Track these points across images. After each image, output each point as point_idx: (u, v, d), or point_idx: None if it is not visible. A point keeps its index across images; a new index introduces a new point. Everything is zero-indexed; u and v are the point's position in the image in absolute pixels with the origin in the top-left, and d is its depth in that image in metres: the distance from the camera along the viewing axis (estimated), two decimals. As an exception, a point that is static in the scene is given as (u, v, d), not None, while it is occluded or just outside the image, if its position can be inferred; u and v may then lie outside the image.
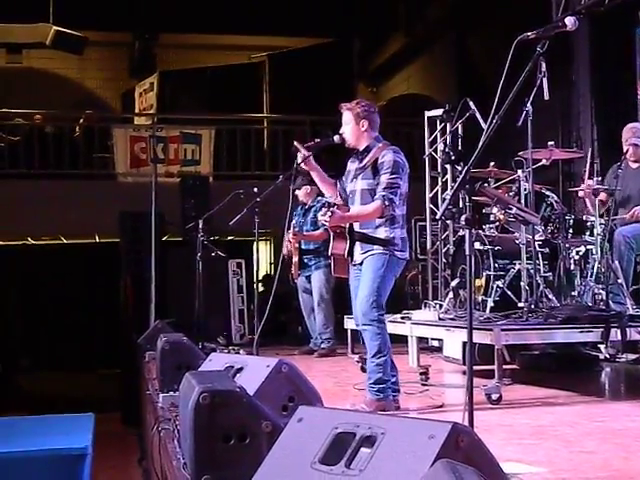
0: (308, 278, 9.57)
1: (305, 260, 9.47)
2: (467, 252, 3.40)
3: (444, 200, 8.85)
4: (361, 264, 5.52)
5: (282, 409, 3.96)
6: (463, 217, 3.32)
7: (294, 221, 9.39)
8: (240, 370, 4.37)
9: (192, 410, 3.24)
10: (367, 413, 3.72)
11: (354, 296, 5.62)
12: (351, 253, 5.58)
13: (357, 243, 5.54)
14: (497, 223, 7.39)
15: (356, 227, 5.57)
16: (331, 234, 5.72)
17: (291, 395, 4.07)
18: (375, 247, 5.44)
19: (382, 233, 5.45)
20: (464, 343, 7.49)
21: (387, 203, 5.37)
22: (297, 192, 9.19)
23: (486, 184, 3.43)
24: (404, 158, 5.54)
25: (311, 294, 9.61)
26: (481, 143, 3.31)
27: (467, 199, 3.39)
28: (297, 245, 9.33)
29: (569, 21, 3.37)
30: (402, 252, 5.49)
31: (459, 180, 3.36)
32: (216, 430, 3.24)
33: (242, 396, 3.31)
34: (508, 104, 3.38)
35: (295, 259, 9.42)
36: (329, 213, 5.34)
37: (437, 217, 3.51)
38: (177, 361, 5.66)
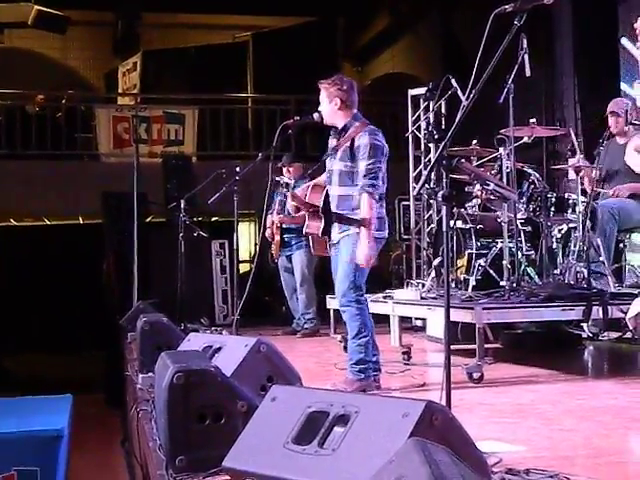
0: (289, 258, 9.54)
1: (286, 239, 9.42)
2: (444, 229, 3.36)
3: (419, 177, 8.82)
4: (339, 243, 5.48)
5: (260, 389, 3.92)
6: (440, 193, 3.29)
7: (277, 200, 9.32)
8: (218, 350, 4.35)
9: (166, 390, 3.20)
10: (341, 392, 3.68)
11: (335, 276, 5.58)
12: (329, 232, 5.54)
13: (335, 223, 5.49)
14: (478, 201, 7.36)
15: (333, 208, 5.51)
16: (305, 213, 5.68)
17: (270, 375, 4.04)
18: (352, 227, 5.39)
19: (358, 215, 5.39)
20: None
21: (371, 190, 5.30)
22: (283, 169, 9.14)
23: (463, 160, 3.39)
24: (382, 138, 5.47)
25: (293, 274, 9.57)
26: (458, 118, 3.27)
27: (445, 175, 3.34)
28: (279, 225, 9.29)
29: (547, -6, 3.33)
30: (379, 231, 5.42)
31: (435, 156, 3.32)
32: (191, 410, 3.21)
33: (217, 375, 3.28)
34: (485, 79, 3.33)
35: (277, 238, 9.38)
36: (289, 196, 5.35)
37: (414, 193, 3.46)
38: (157, 341, 5.62)
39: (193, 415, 3.20)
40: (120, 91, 17.48)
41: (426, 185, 7.61)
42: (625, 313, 5.54)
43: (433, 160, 3.32)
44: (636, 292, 6.16)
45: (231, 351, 4.20)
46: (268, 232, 9.38)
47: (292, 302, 9.73)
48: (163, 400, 3.27)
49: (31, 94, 14.98)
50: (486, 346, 6.70)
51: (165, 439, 3.26)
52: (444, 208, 3.39)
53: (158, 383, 3.55)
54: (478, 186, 7.02)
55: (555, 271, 7.11)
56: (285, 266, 9.64)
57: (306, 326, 9.45)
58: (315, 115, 5.63)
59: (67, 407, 4.73)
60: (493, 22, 3.44)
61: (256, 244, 15.28)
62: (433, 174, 6.70)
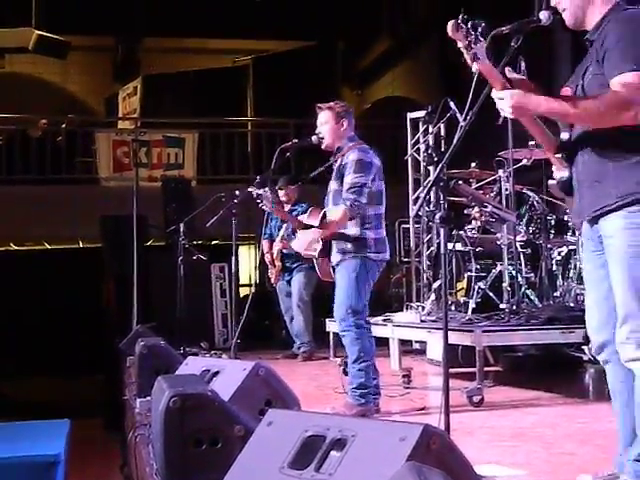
0: (289, 282, 9.50)
1: (287, 264, 9.39)
2: (442, 251, 3.35)
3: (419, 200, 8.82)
4: (338, 266, 5.48)
5: (259, 413, 3.89)
6: (438, 215, 3.27)
7: (272, 225, 9.30)
8: (216, 374, 4.31)
9: (162, 414, 3.17)
10: (338, 416, 3.66)
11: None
12: (327, 254, 5.53)
13: (333, 244, 5.48)
14: (478, 223, 7.34)
15: None
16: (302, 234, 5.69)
17: (268, 399, 4.00)
18: (347, 249, 5.38)
19: (352, 232, 5.39)
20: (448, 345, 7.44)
21: (349, 204, 5.31)
22: (279, 192, 9.11)
23: (460, 182, 3.37)
24: (373, 157, 5.47)
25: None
26: (455, 140, 3.25)
27: (442, 197, 3.33)
28: (281, 250, 9.24)
29: (543, 15, 3.31)
30: (377, 253, 5.41)
31: (433, 178, 3.30)
32: (187, 434, 3.18)
33: (214, 400, 3.24)
34: (482, 101, 3.32)
35: (278, 264, 9.36)
36: (268, 204, 5.36)
37: (413, 215, 3.45)
38: (155, 365, 5.58)
39: (189, 439, 3.17)
40: (120, 115, 17.51)
41: (425, 207, 7.60)
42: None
43: (430, 182, 3.31)
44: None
45: (229, 375, 4.17)
46: (267, 257, 9.37)
47: (291, 326, 9.69)
48: (159, 424, 3.24)
49: (32, 118, 14.97)
50: (486, 369, 6.69)
51: (161, 464, 3.23)
52: (442, 230, 3.37)
53: (154, 407, 3.52)
54: (476, 208, 7.01)
55: (555, 293, 7.09)
56: (286, 290, 9.60)
57: (302, 349, 9.40)
58: (313, 138, 5.64)
59: (64, 432, 4.68)
60: (490, 44, 3.42)
61: (256, 267, 15.27)
62: (432, 196, 6.70)
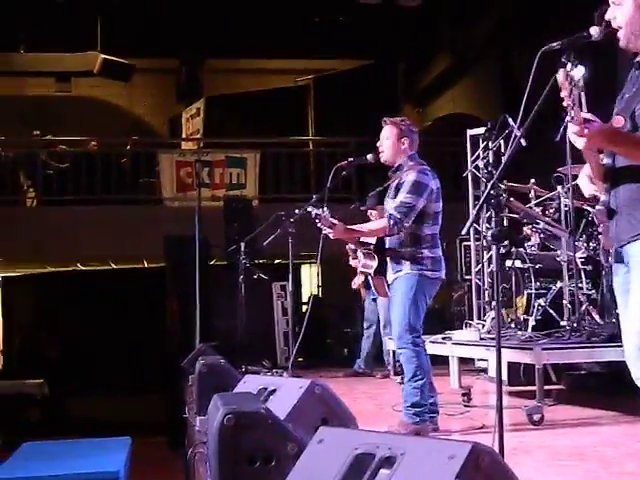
0: (375, 300, 9.51)
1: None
2: (495, 268, 3.33)
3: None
4: (393, 284, 5.48)
5: (315, 431, 3.90)
6: (490, 233, 3.27)
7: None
8: (273, 392, 4.34)
9: (216, 432, 3.21)
10: (387, 433, 3.66)
11: (391, 317, 5.58)
12: (383, 271, 5.54)
13: (388, 262, 5.50)
14: (537, 240, 7.27)
15: (386, 245, 5.54)
16: (360, 253, 5.70)
17: (324, 417, 4.01)
18: (404, 267, 5.39)
19: (408, 253, 5.40)
20: (509, 363, 7.39)
21: (392, 222, 5.33)
22: (368, 212, 9.11)
23: (512, 198, 3.36)
24: (432, 179, 5.48)
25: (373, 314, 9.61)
26: (506, 157, 3.25)
27: (494, 214, 3.33)
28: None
29: (594, 30, 3.29)
30: (434, 272, 5.42)
31: (484, 195, 3.30)
32: (241, 452, 3.20)
33: (267, 417, 3.27)
34: (534, 117, 3.32)
35: (360, 280, 9.39)
36: (325, 225, 5.33)
37: (463, 232, 3.44)
38: (214, 384, 5.62)
39: (243, 457, 3.19)
40: (184, 136, 17.72)
41: (485, 224, 7.57)
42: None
43: (481, 200, 3.31)
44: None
45: (285, 393, 4.18)
46: (354, 281, 9.47)
47: (366, 343, 9.79)
48: (214, 442, 3.27)
49: (96, 140, 15.22)
50: (548, 387, 6.62)
51: (216, 481, 3.26)
52: (494, 247, 3.37)
53: (210, 425, 3.56)
54: (529, 225, 6.97)
55: (617, 310, 6.98)
56: (370, 308, 9.69)
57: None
58: (369, 156, 5.67)
59: (125, 449, 4.76)
60: (541, 60, 3.42)
61: (319, 286, 15.31)
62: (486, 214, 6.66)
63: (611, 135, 3.17)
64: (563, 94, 3.12)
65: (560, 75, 3.14)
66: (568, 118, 3.14)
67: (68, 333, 14.63)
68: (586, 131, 3.07)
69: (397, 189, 5.47)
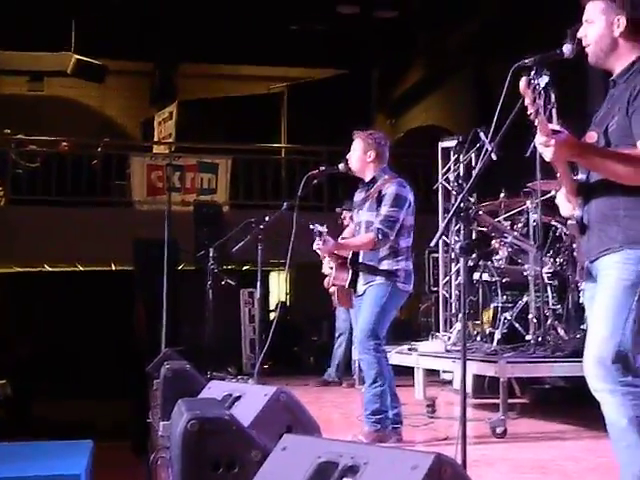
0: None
1: None
2: (462, 281, 3.36)
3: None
4: (364, 294, 5.51)
5: (279, 438, 3.90)
6: (457, 245, 3.29)
7: None
8: (238, 399, 4.34)
9: (180, 437, 3.20)
10: (351, 443, 3.67)
11: (356, 326, 5.60)
12: (354, 284, 5.57)
13: (361, 274, 5.52)
14: (505, 253, 7.32)
15: (360, 259, 5.56)
16: (333, 264, 5.71)
17: (289, 425, 4.02)
18: (378, 278, 5.42)
19: (386, 265, 5.45)
20: (474, 375, 7.42)
21: (380, 236, 5.37)
22: (345, 216, 9.17)
23: (481, 212, 3.39)
24: (409, 192, 5.53)
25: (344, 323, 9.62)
26: (476, 171, 3.28)
27: (463, 227, 3.35)
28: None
29: (566, 48, 3.33)
30: (405, 284, 5.47)
31: (453, 208, 3.33)
32: (204, 458, 3.20)
33: (231, 424, 3.27)
34: (504, 133, 3.36)
35: (332, 289, 9.40)
36: (321, 241, 5.33)
37: (432, 245, 3.46)
38: (179, 389, 5.60)
39: (207, 463, 3.19)
40: (156, 140, 17.67)
41: (454, 237, 7.61)
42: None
43: (450, 213, 3.33)
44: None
45: (250, 400, 4.19)
46: (326, 280, 9.44)
47: (337, 350, 9.79)
48: (177, 447, 3.27)
49: (68, 141, 15.13)
50: (513, 401, 6.65)
51: (179, 486, 3.25)
52: (462, 260, 3.39)
53: (174, 430, 3.55)
54: (497, 238, 7.02)
55: (582, 326, 7.04)
56: (342, 316, 9.70)
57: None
58: (341, 166, 5.70)
59: (86, 452, 4.73)
60: (513, 76, 3.45)
61: (287, 293, 15.29)
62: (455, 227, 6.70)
63: (578, 147, 3.19)
64: (526, 102, 3.15)
65: (522, 83, 3.18)
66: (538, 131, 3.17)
67: (35, 334, 14.53)
68: (552, 141, 3.09)
69: (378, 201, 5.48)
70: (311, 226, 5.49)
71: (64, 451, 4.77)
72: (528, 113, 3.16)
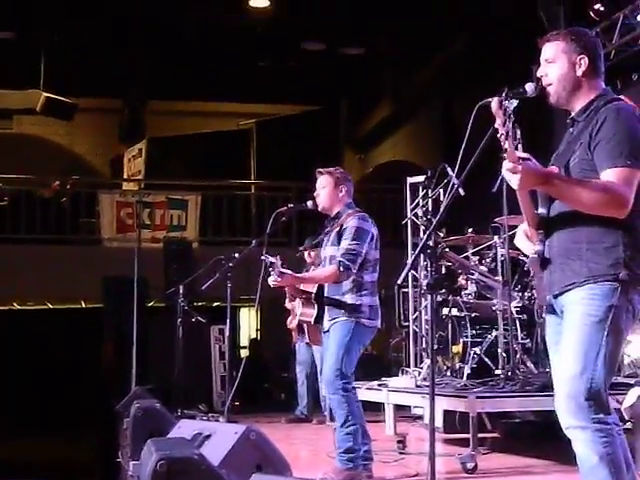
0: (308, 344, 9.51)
1: None
2: (429, 317, 3.38)
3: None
4: (329, 331, 5.51)
5: (249, 477, 3.89)
6: (424, 282, 3.32)
7: None
8: (208, 437, 4.32)
9: (149, 478, 3.19)
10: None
11: (322, 363, 5.61)
12: (321, 320, 5.56)
13: (326, 310, 5.52)
14: (474, 288, 7.36)
15: (325, 293, 5.56)
16: (299, 300, 5.72)
17: (259, 463, 4.00)
18: (341, 314, 5.42)
19: (349, 299, 5.44)
20: (444, 411, 7.43)
21: (342, 269, 5.37)
22: (305, 253, 9.17)
23: (447, 249, 3.42)
24: (372, 226, 5.55)
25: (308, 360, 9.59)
26: (442, 207, 3.31)
27: (430, 264, 3.38)
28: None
29: (529, 87, 3.38)
30: (370, 320, 5.45)
31: (420, 244, 3.35)
32: (174, 498, 3.18)
33: (201, 463, 3.26)
34: (470, 169, 3.40)
35: (293, 324, 9.38)
36: (275, 274, 5.33)
37: (399, 281, 3.48)
38: (149, 428, 5.57)
39: (176, 503, 3.18)
40: (125, 177, 17.64)
41: (423, 272, 7.64)
42: (621, 403, 5.51)
43: (417, 249, 3.36)
44: (632, 382, 6.13)
45: (220, 438, 4.17)
46: (289, 319, 9.43)
47: (302, 387, 9.74)
48: (147, 488, 3.25)
49: (38, 180, 15.09)
50: (484, 435, 6.66)
51: (148, 528, 3.23)
52: (429, 296, 3.42)
53: (143, 470, 3.53)
54: (464, 275, 7.07)
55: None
56: (303, 353, 9.66)
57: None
58: (309, 203, 5.73)
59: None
60: (478, 113, 3.49)
61: (257, 329, 15.26)
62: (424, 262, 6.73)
63: (544, 174, 3.21)
64: (497, 123, 3.19)
65: (494, 103, 3.21)
66: (504, 148, 3.18)
67: (1, 373, 14.35)
68: (520, 168, 3.11)
69: (339, 236, 5.50)
70: (262, 257, 5.50)
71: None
72: (498, 136, 3.19)
